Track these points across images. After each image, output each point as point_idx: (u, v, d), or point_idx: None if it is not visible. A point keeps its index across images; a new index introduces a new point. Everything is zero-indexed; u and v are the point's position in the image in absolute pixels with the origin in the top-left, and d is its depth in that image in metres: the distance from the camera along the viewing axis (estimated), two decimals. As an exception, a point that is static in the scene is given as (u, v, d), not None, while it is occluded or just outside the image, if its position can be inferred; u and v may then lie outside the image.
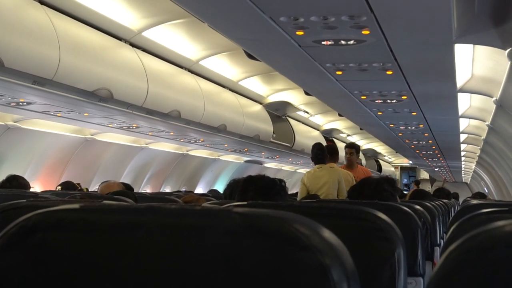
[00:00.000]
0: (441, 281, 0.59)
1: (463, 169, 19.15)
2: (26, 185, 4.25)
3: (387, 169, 22.04)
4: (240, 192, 2.18)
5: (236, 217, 0.72)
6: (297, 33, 3.95)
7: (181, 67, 6.64)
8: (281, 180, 2.23)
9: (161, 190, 10.20)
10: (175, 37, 6.07)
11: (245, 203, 1.68)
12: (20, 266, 0.75)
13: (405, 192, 7.61)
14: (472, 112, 8.09)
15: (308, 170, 6.04)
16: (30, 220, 0.77)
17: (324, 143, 10.73)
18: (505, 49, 4.25)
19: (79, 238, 0.75)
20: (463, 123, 9.14)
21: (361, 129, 11.47)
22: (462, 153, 13.70)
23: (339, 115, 9.97)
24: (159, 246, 0.72)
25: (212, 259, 0.71)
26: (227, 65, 7.41)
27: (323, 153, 5.74)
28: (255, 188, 2.14)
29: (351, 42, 4.13)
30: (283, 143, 10.09)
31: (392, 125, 8.72)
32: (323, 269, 0.67)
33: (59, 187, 5.72)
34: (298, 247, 0.68)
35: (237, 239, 0.71)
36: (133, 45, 5.72)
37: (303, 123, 11.31)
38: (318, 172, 5.64)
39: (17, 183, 4.14)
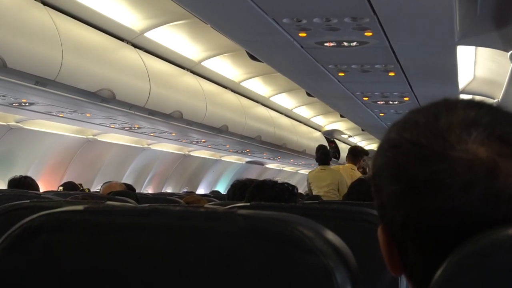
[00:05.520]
0: (443, 285, 0.59)
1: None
2: (35, 186, 4.25)
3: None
4: (248, 197, 2.16)
5: (239, 219, 0.72)
6: (300, 34, 3.96)
7: (183, 68, 6.64)
8: (293, 187, 2.22)
9: (162, 191, 10.21)
10: (177, 38, 6.07)
11: (248, 204, 1.68)
12: (23, 268, 0.75)
13: None
14: (474, 113, 8.07)
15: (308, 170, 6.41)
16: (34, 221, 0.77)
17: (326, 144, 10.73)
18: (507, 51, 4.25)
19: (83, 240, 0.75)
20: (465, 125, 9.12)
21: (363, 130, 11.47)
22: (464, 155, 13.67)
23: (341, 116, 9.97)
24: (163, 248, 0.73)
25: (216, 262, 0.71)
26: (229, 66, 7.42)
27: (327, 156, 6.13)
28: (264, 196, 2.12)
29: (354, 43, 4.13)
30: (285, 145, 10.09)
31: (394, 127, 8.70)
32: (327, 272, 0.68)
33: (61, 188, 5.73)
34: (302, 249, 0.69)
35: (241, 241, 0.71)
36: (135, 46, 5.72)
37: (304, 123, 11.32)
38: (320, 173, 5.96)
39: (27, 183, 4.14)
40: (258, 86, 8.57)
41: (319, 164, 6.08)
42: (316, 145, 12.09)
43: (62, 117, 6.23)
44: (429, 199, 0.63)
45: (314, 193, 5.80)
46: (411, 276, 0.69)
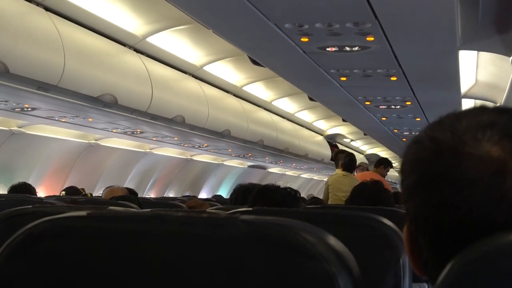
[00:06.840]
0: (446, 291, 0.59)
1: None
2: (34, 193, 4.27)
3: (391, 173, 21.96)
4: (251, 202, 2.16)
5: (242, 225, 0.72)
6: (302, 39, 3.96)
7: (185, 72, 6.65)
8: (295, 191, 2.22)
9: (165, 195, 10.20)
10: (179, 43, 6.08)
11: (251, 209, 1.68)
12: (26, 274, 0.75)
13: None
14: (476, 118, 8.06)
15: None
16: (38, 227, 0.77)
17: (328, 148, 10.71)
18: (509, 56, 4.25)
19: (86, 246, 0.75)
20: (467, 129, 9.10)
21: (365, 134, 11.46)
22: (466, 159, 13.64)
23: (343, 120, 9.97)
24: (165, 254, 0.73)
25: (218, 267, 0.71)
26: (230, 71, 7.42)
27: (353, 163, 6.18)
28: (266, 201, 2.11)
29: (356, 48, 4.14)
30: (288, 149, 10.09)
31: (396, 131, 8.73)
32: (330, 277, 0.68)
33: (63, 192, 5.72)
34: (305, 255, 0.69)
35: (243, 247, 0.71)
36: (137, 50, 5.74)
37: (306, 128, 11.32)
38: (343, 178, 6.00)
39: (26, 190, 4.16)
40: (260, 90, 8.58)
41: (343, 170, 6.10)
42: (319, 149, 12.12)
43: (64, 122, 6.24)
44: (435, 192, 0.64)
45: (331, 196, 5.82)
46: (426, 273, 0.69)
